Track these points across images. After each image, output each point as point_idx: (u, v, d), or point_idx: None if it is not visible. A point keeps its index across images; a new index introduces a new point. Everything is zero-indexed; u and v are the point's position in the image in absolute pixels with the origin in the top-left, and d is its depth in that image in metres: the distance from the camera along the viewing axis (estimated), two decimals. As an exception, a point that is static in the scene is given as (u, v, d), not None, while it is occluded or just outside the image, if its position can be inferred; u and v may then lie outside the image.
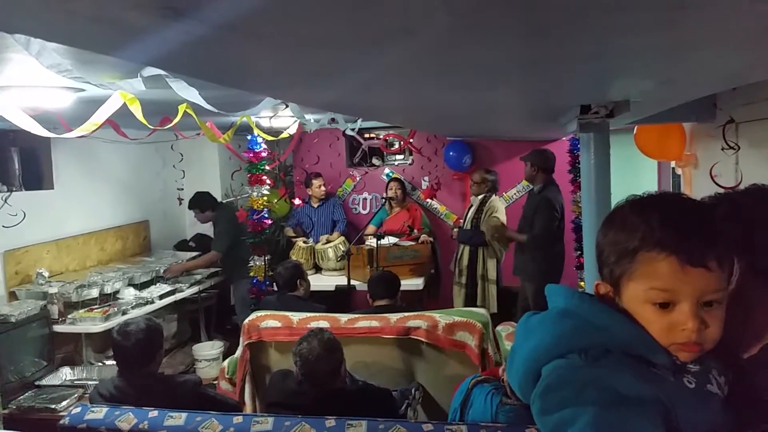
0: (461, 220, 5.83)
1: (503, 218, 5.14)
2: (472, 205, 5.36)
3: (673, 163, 5.08)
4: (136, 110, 2.39)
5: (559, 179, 5.05)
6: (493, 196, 5.25)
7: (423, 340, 3.12)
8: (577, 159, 5.38)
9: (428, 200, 6.51)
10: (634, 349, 0.88)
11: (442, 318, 3.15)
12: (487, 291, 5.12)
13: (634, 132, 4.69)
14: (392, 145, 6.67)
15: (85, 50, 1.40)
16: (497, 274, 5.15)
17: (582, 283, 5.01)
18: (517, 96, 2.42)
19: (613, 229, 0.93)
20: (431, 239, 5.60)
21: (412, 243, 5.37)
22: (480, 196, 5.24)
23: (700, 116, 3.75)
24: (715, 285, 0.86)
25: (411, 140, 6.42)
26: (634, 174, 5.84)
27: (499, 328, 3.64)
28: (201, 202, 5.39)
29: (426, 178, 6.56)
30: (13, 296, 4.17)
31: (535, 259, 4.72)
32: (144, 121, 2.60)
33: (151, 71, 1.83)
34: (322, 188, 6.01)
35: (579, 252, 5.28)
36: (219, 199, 5.92)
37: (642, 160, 5.28)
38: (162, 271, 4.99)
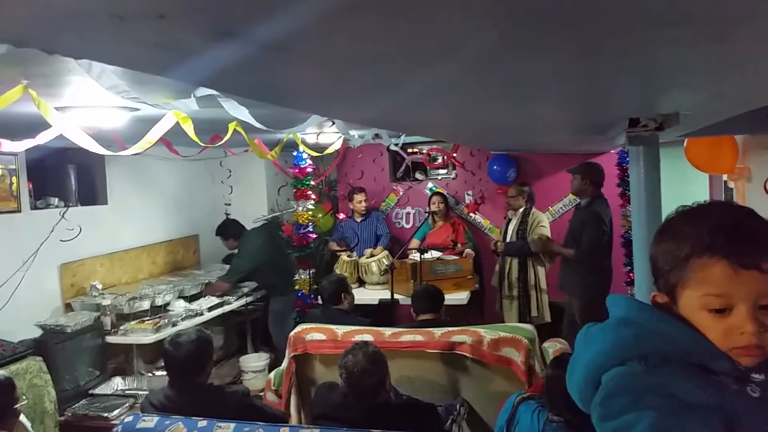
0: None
1: (548, 229, 5.10)
2: (510, 220, 5.30)
3: (725, 177, 4.95)
4: (189, 129, 2.47)
5: (608, 193, 4.95)
6: (534, 209, 5.21)
7: (468, 355, 3.10)
8: (626, 172, 5.29)
9: (472, 214, 6.49)
10: (694, 356, 0.88)
11: (487, 333, 3.13)
12: (541, 301, 5.07)
13: (685, 145, 4.59)
14: (435, 159, 6.68)
15: (142, 72, 1.47)
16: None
17: (632, 299, 4.89)
18: (563, 110, 2.41)
19: (664, 239, 0.94)
20: (474, 253, 5.57)
21: (456, 257, 5.35)
22: (520, 209, 5.20)
23: (753, 128, 3.65)
24: None
25: (454, 154, 6.42)
26: (685, 188, 5.70)
27: (546, 344, 3.60)
28: (223, 230, 5.43)
29: (470, 192, 6.54)
30: (68, 308, 4.33)
31: (582, 275, 4.63)
32: (196, 139, 2.68)
33: (203, 91, 1.90)
34: (363, 203, 6.01)
35: (629, 267, 5.16)
36: (265, 213, 6.01)
37: (693, 174, 5.16)
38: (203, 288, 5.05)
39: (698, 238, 0.88)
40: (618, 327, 0.95)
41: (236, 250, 5.36)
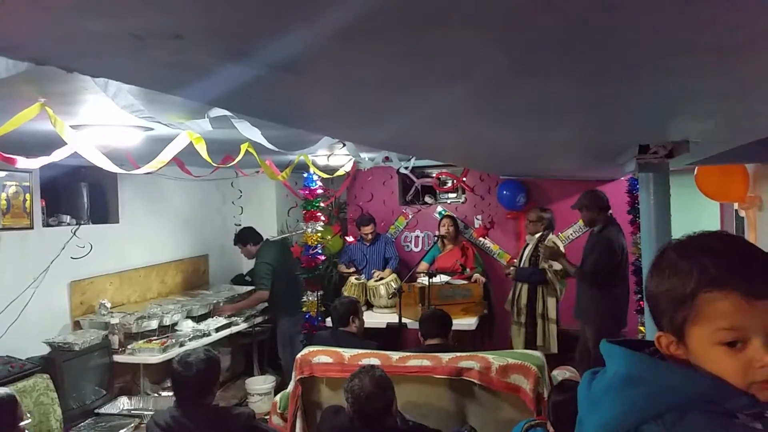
0: (515, 260, 5.75)
1: (561, 248, 5.02)
2: (528, 244, 5.27)
3: (736, 205, 4.93)
4: (202, 149, 2.49)
5: (618, 220, 4.90)
6: (551, 234, 5.17)
7: (476, 381, 3.07)
8: (637, 200, 5.26)
9: (481, 239, 6.47)
10: (712, 402, 0.83)
11: (495, 360, 3.10)
12: (548, 330, 5.00)
13: (695, 173, 4.58)
14: (445, 183, 6.69)
15: (158, 91, 1.49)
16: (557, 314, 5.04)
17: (642, 328, 4.84)
18: (573, 136, 2.41)
19: (663, 277, 0.90)
20: (484, 279, 5.54)
21: (465, 282, 5.33)
22: (537, 235, 5.16)
23: (765, 157, 3.64)
24: None
25: (464, 179, 6.43)
26: (695, 216, 5.66)
27: (555, 372, 3.56)
28: (243, 237, 5.49)
29: (479, 217, 6.54)
30: (77, 325, 4.33)
31: (594, 301, 4.56)
32: (209, 160, 2.70)
33: (217, 112, 1.92)
34: (369, 236, 6.04)
35: (639, 296, 5.10)
36: (275, 234, 6.03)
37: (704, 202, 5.14)
38: (213, 308, 5.09)
39: (702, 272, 0.84)
40: (625, 387, 0.89)
41: (255, 260, 5.43)
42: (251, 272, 6.36)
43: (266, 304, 5.46)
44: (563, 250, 5.00)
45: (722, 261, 0.84)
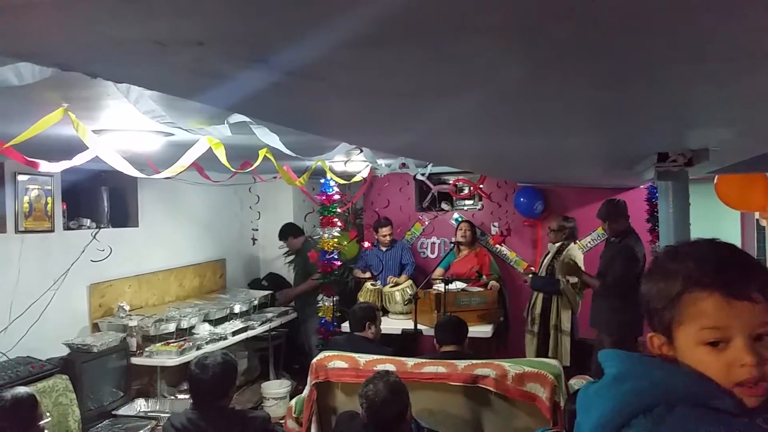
0: (531, 267, 5.72)
1: (581, 262, 4.92)
2: (548, 253, 5.22)
3: (757, 215, 4.87)
4: (221, 154, 2.52)
5: (637, 228, 4.85)
6: (572, 244, 5.07)
7: (491, 389, 3.05)
8: (656, 208, 5.20)
9: (497, 246, 6.44)
10: (697, 398, 0.87)
11: (511, 367, 3.08)
12: (560, 342, 4.90)
13: (715, 181, 4.53)
14: (462, 190, 6.67)
15: (179, 97, 1.51)
16: (572, 326, 4.93)
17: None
18: (592, 143, 2.40)
19: (654, 278, 0.95)
20: (500, 286, 5.51)
21: (481, 289, 5.30)
22: (557, 244, 5.09)
23: (787, 166, 3.59)
24: (763, 317, 0.86)
25: (481, 185, 6.41)
26: (715, 225, 5.60)
27: (572, 381, 3.53)
28: (286, 231, 5.91)
29: (496, 224, 6.51)
30: (95, 327, 4.38)
31: (614, 310, 4.47)
32: (228, 165, 2.73)
33: (237, 118, 1.94)
34: (387, 237, 6.04)
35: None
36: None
37: (724, 211, 5.09)
38: (278, 296, 5.88)
39: (688, 274, 0.89)
40: (614, 386, 0.93)
41: (284, 262, 5.88)
42: (267, 277, 6.42)
43: (286, 309, 5.55)
44: (582, 261, 4.93)
45: (705, 264, 0.89)
